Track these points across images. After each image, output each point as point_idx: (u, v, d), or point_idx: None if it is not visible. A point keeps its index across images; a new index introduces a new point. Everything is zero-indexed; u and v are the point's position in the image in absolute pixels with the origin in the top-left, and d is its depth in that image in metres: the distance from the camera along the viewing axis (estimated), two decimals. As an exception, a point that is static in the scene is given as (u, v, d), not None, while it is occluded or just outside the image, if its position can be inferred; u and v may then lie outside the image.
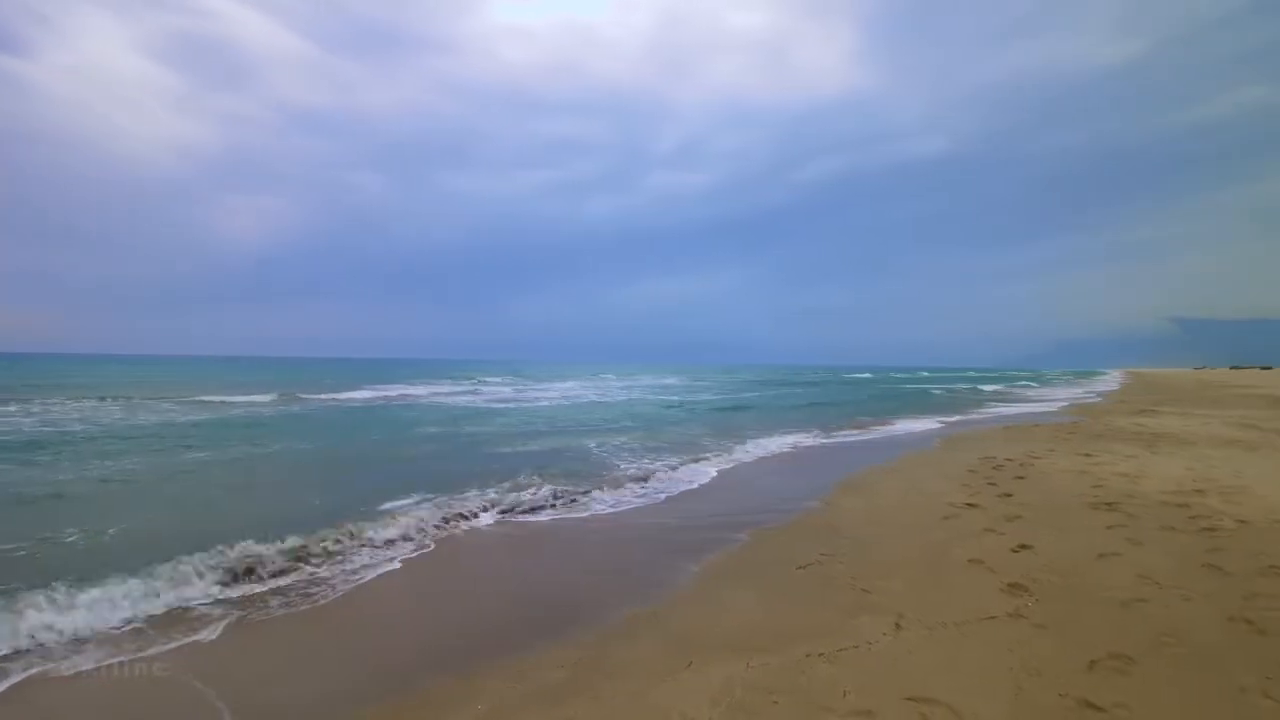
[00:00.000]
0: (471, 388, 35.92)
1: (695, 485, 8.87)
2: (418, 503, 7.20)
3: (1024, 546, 5.43)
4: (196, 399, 23.11)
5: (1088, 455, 10.39)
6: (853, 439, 14.70)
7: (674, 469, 9.95)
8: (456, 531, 6.41)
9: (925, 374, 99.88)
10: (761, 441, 13.35)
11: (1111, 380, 65.30)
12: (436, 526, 6.42)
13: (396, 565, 5.41)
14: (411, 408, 22.75)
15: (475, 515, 6.88)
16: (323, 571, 5.16)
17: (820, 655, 3.54)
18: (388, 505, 7.11)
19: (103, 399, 22.32)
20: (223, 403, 21.80)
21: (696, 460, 10.81)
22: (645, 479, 9.10)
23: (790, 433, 15.03)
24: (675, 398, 31.16)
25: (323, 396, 26.18)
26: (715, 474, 9.69)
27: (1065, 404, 26.98)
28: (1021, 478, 8.58)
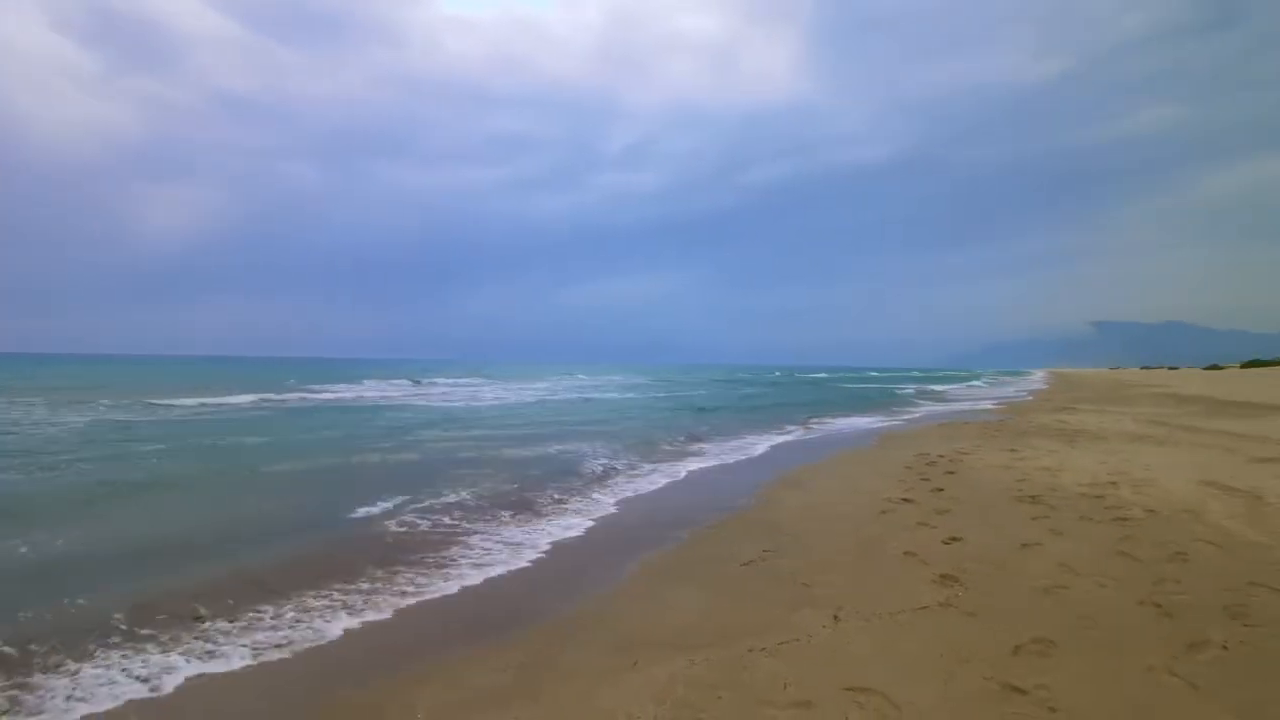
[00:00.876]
0: (419, 390, 34.95)
1: (645, 486, 8.89)
2: (383, 513, 6.99)
3: (954, 538, 5.67)
4: (141, 400, 21.85)
5: (1013, 451, 10.91)
6: (800, 437, 15.09)
7: (626, 470, 9.97)
8: (399, 536, 6.25)
9: (874, 374, 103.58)
10: (716, 440, 13.65)
11: (1037, 380, 68.83)
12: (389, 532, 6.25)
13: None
14: (356, 410, 22.04)
15: (421, 518, 6.73)
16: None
17: (762, 650, 3.61)
18: (361, 512, 7.00)
19: (12, 401, 20.86)
20: (149, 404, 20.64)
21: (649, 460, 10.88)
22: (596, 480, 9.09)
23: (744, 433, 15.41)
24: (632, 395, 31.58)
25: (258, 398, 25.07)
26: (666, 474, 9.74)
27: (995, 402, 28.28)
28: (952, 473, 8.95)
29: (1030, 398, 31.51)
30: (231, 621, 4.18)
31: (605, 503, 7.78)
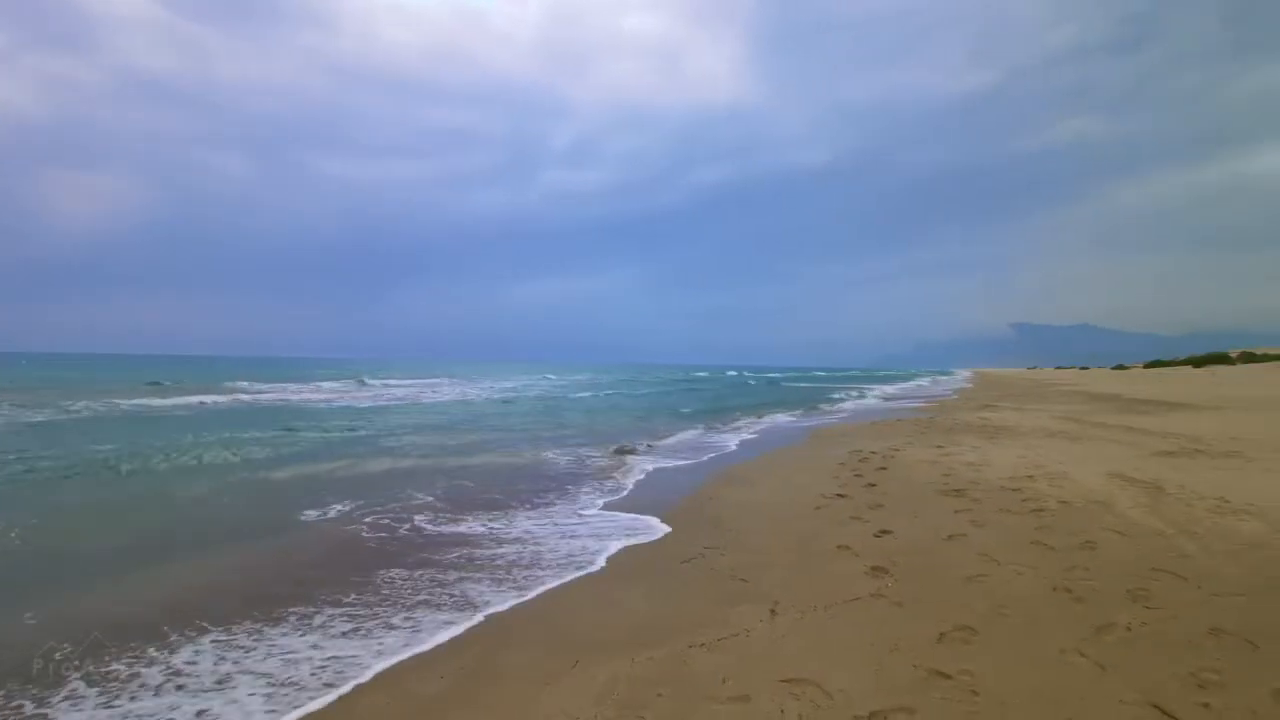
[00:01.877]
0: (361, 388, 33.83)
1: (590, 483, 8.86)
2: (339, 514, 6.81)
3: (885, 532, 5.88)
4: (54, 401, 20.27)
5: (940, 447, 11.40)
6: (756, 434, 15.42)
7: (571, 469, 9.91)
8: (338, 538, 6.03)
9: (821, 374, 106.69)
10: (663, 437, 13.91)
11: (962, 379, 72.16)
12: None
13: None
14: (301, 412, 21.12)
15: (363, 519, 6.53)
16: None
17: (702, 646, 3.65)
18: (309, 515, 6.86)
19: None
20: (60, 404, 19.23)
21: (595, 457, 10.89)
22: (546, 478, 9.00)
23: (690, 428, 15.84)
24: (585, 394, 32.26)
25: (183, 400, 23.72)
26: (610, 470, 9.73)
27: (925, 400, 29.48)
28: (884, 469, 9.28)
29: (956, 396, 32.97)
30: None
31: (553, 497, 7.72)
